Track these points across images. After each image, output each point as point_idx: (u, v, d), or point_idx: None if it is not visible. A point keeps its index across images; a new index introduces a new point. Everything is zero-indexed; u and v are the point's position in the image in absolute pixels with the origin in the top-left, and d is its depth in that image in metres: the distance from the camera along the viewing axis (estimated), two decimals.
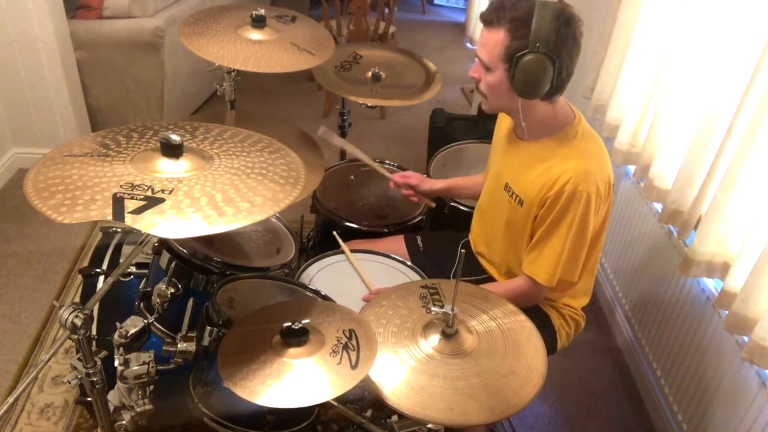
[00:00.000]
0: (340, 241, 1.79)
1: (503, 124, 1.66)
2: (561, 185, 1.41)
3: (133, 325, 1.29)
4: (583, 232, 1.44)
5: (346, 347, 1.15)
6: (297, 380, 1.10)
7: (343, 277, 1.69)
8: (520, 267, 1.55)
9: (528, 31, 1.33)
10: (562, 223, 1.43)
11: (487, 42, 1.41)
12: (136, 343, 1.30)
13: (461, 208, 1.99)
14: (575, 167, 1.41)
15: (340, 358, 1.13)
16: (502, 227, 1.60)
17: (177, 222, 0.99)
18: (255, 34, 1.79)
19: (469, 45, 5.38)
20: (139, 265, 1.71)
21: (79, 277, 2.19)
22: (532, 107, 1.45)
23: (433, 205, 1.95)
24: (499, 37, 1.38)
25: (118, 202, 1.00)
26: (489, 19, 1.40)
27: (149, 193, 1.03)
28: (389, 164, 2.26)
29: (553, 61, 1.34)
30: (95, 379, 1.19)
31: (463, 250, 1.75)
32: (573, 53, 1.38)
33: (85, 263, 1.81)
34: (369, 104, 2.07)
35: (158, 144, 1.12)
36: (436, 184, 1.90)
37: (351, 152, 2.00)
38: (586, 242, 1.47)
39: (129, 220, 0.97)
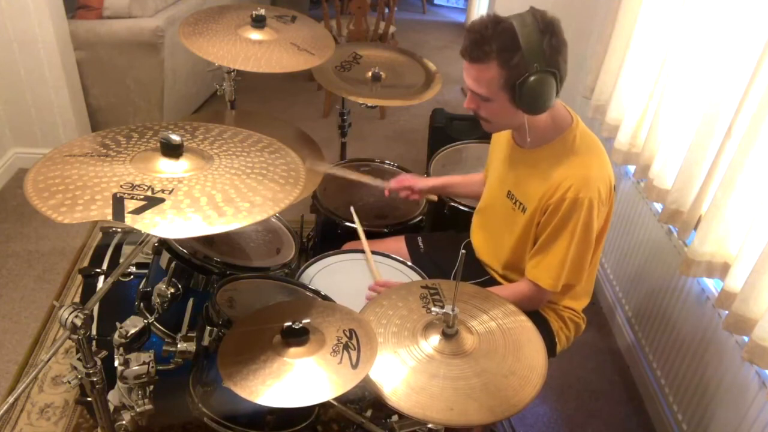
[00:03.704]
0: (356, 218, 1.83)
1: (501, 132, 1.65)
2: (562, 192, 1.40)
3: (133, 325, 1.29)
4: (587, 237, 1.44)
5: (346, 347, 1.15)
6: (297, 380, 1.10)
7: (343, 277, 1.69)
8: (523, 272, 1.55)
9: (521, 56, 1.29)
10: (565, 229, 1.43)
11: (480, 78, 1.36)
12: (136, 343, 1.30)
13: (461, 208, 1.98)
14: (576, 173, 1.41)
15: (341, 358, 1.13)
16: (506, 234, 1.60)
17: (177, 222, 0.99)
18: (255, 34, 1.79)
19: None
20: (139, 265, 1.71)
21: (79, 277, 2.19)
22: (535, 119, 1.43)
23: (435, 198, 1.94)
24: (492, 71, 1.33)
25: (118, 202, 1.00)
26: (475, 56, 1.34)
27: (149, 193, 1.03)
28: (389, 164, 2.26)
29: (554, 74, 1.33)
30: (95, 379, 1.19)
31: (464, 251, 1.75)
32: (566, 56, 1.36)
33: (85, 263, 1.81)
34: (369, 104, 2.07)
35: (158, 144, 1.12)
36: (431, 182, 1.90)
37: (340, 174, 1.97)
38: (590, 247, 1.46)
39: (129, 220, 0.97)
